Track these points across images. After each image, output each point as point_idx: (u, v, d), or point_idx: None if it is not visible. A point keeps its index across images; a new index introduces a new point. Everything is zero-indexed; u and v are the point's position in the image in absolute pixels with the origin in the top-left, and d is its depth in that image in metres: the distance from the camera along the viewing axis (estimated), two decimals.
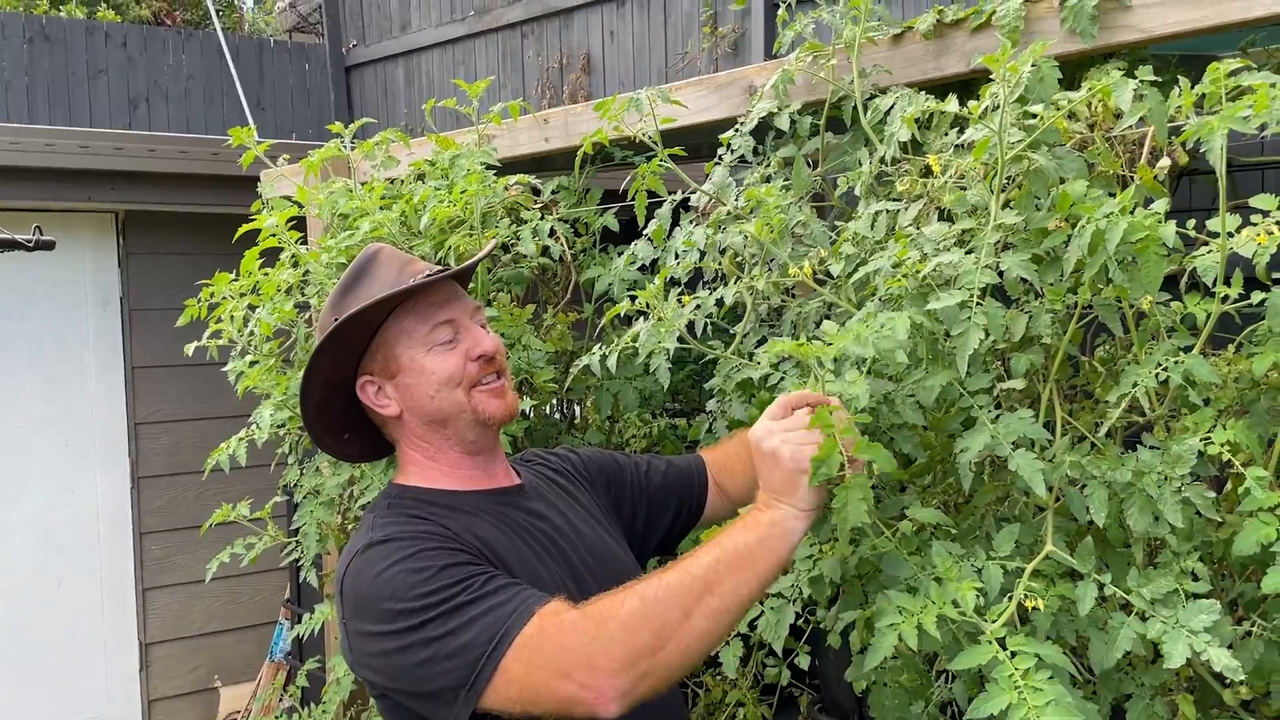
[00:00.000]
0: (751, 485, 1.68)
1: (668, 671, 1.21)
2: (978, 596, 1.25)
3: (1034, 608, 1.25)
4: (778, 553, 1.24)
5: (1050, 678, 1.17)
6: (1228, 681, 1.27)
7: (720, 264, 1.78)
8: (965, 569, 1.30)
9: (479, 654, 1.24)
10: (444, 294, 1.48)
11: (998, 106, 1.31)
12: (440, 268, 1.51)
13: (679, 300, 1.69)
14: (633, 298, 1.69)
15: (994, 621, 1.23)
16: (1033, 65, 1.36)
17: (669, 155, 1.91)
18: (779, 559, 1.24)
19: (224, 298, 2.62)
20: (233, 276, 2.62)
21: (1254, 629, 1.27)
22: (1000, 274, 1.32)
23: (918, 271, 1.34)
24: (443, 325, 1.46)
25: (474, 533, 1.40)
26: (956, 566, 1.30)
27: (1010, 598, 1.26)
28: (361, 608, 1.33)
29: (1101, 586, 1.26)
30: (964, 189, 1.46)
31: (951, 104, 1.48)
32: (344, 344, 1.45)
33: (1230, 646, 1.27)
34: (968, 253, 1.33)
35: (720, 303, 1.72)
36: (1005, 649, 1.20)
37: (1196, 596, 1.23)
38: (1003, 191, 1.35)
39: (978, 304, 1.28)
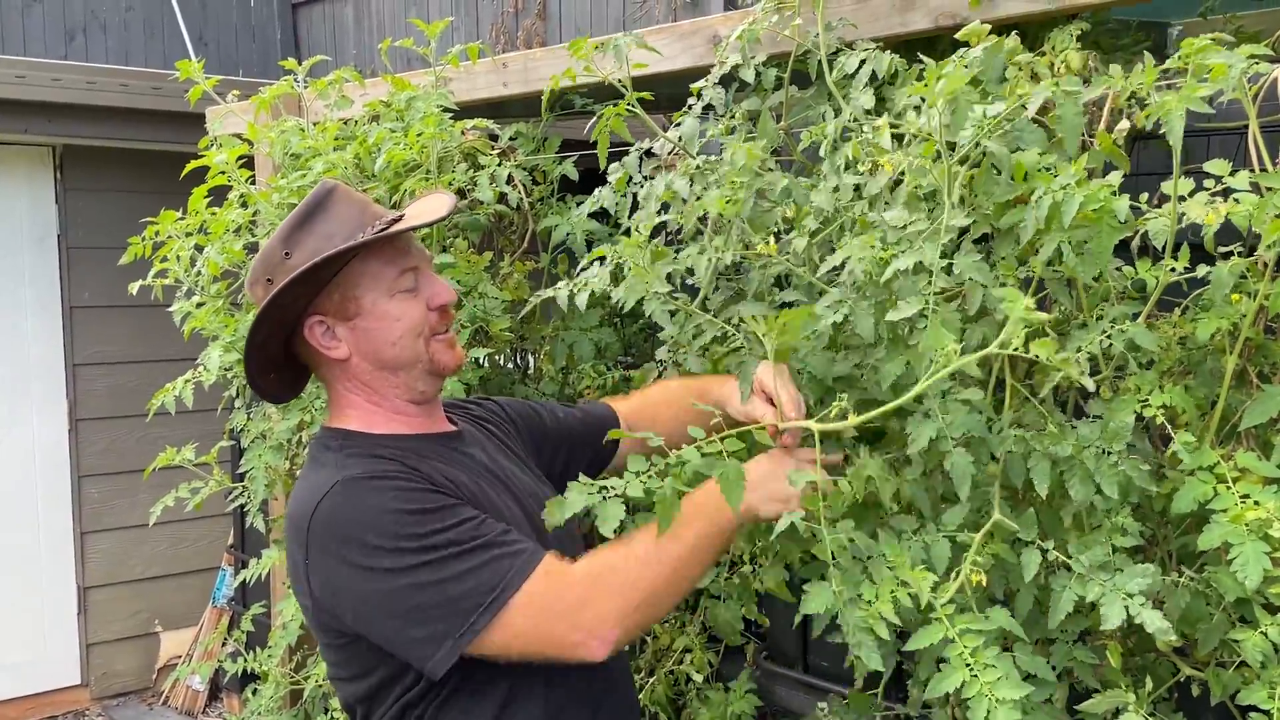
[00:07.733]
0: (675, 431, 1.72)
1: (653, 621, 1.40)
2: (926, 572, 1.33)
3: (979, 582, 1.32)
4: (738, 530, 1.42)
5: (999, 653, 1.26)
6: None
7: (682, 215, 1.77)
8: (915, 549, 1.36)
9: (476, 604, 1.27)
10: (407, 240, 1.46)
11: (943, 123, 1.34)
12: (399, 214, 1.49)
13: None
14: (591, 246, 1.68)
15: (943, 600, 1.31)
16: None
17: (636, 99, 1.89)
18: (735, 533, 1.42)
19: (169, 236, 2.55)
20: (179, 215, 2.56)
21: (1182, 580, 1.32)
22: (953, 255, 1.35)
23: (882, 261, 1.36)
24: (408, 272, 1.44)
25: (443, 474, 1.40)
26: (906, 550, 1.37)
27: (957, 573, 1.32)
28: (340, 545, 1.30)
29: (1045, 553, 1.32)
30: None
31: (915, 95, 1.48)
32: (311, 282, 1.40)
33: (1164, 601, 1.33)
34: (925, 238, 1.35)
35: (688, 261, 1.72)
36: (954, 625, 1.28)
37: (1128, 551, 1.29)
38: (960, 178, 1.37)
39: (934, 310, 1.31)
